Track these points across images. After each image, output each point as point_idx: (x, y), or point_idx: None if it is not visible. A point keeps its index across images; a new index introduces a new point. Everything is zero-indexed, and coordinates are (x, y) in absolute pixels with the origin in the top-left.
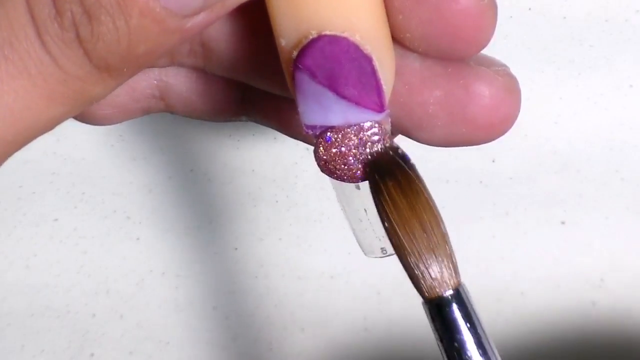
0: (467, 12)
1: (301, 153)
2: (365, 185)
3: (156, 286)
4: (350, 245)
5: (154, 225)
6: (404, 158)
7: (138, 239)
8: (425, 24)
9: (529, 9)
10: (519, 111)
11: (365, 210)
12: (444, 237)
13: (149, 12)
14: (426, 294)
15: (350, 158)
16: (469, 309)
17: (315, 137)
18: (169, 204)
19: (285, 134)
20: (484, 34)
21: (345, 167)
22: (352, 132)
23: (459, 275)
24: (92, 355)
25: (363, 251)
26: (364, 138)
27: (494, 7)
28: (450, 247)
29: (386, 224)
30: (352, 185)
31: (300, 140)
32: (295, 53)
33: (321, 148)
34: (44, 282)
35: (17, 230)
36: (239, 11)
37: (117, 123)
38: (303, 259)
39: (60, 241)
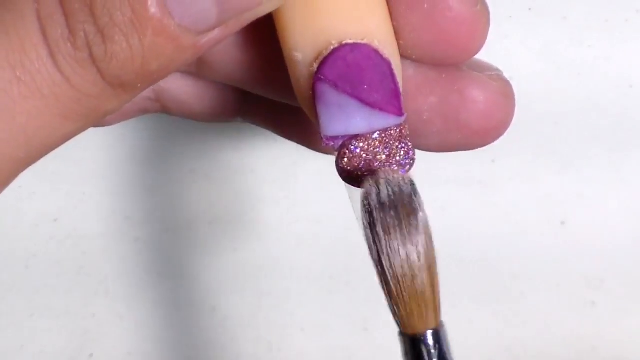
0: (460, 18)
1: (301, 153)
2: None
3: (156, 286)
4: (350, 245)
5: (154, 226)
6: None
7: (137, 239)
8: (418, 30)
9: (529, 9)
10: (513, 115)
11: None
12: (433, 283)
13: (164, 30)
14: (405, 327)
15: (376, 164)
16: (445, 350)
17: (339, 148)
18: (169, 205)
19: (281, 136)
20: (477, 40)
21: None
22: (377, 138)
23: (440, 316)
24: (91, 355)
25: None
26: (388, 143)
27: (486, 14)
28: (437, 289)
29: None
30: None
31: (295, 142)
32: (316, 65)
33: (345, 159)
34: (43, 282)
35: (17, 230)
36: None
37: (114, 124)
38: (303, 259)
39: (59, 241)
